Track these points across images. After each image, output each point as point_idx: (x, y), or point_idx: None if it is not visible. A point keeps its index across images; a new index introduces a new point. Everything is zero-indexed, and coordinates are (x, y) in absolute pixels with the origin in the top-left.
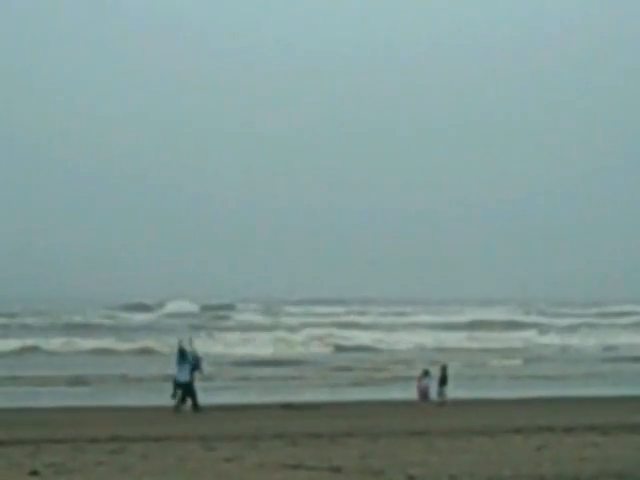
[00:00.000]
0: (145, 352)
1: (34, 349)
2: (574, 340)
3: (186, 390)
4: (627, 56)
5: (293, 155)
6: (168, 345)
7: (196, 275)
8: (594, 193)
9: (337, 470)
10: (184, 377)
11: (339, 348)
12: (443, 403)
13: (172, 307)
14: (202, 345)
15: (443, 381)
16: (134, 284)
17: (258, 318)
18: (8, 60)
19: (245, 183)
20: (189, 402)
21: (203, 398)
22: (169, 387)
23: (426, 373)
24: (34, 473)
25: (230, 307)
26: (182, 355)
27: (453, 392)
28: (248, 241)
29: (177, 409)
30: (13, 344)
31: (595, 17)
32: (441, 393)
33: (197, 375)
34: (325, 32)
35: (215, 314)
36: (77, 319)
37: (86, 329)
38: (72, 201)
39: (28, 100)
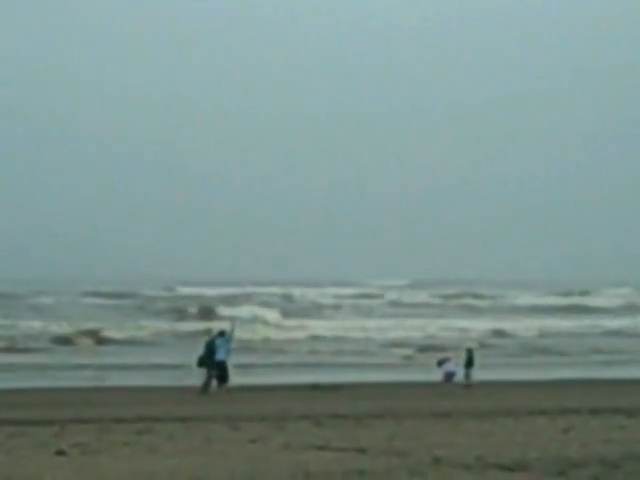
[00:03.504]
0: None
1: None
2: None
3: (222, 369)
4: (628, 48)
5: (298, 135)
6: None
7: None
8: (598, 182)
9: (363, 451)
10: (221, 356)
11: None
12: (469, 385)
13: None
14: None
15: (469, 363)
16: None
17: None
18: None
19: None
20: (214, 382)
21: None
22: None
23: (440, 363)
24: (60, 453)
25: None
26: (221, 336)
27: (477, 374)
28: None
29: (204, 390)
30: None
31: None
32: (467, 375)
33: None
34: (330, 7)
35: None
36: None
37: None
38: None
39: (27, 80)
